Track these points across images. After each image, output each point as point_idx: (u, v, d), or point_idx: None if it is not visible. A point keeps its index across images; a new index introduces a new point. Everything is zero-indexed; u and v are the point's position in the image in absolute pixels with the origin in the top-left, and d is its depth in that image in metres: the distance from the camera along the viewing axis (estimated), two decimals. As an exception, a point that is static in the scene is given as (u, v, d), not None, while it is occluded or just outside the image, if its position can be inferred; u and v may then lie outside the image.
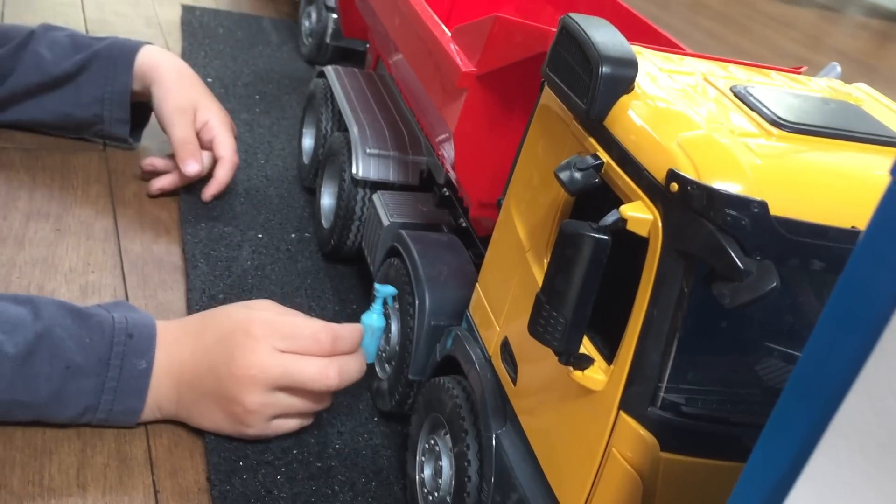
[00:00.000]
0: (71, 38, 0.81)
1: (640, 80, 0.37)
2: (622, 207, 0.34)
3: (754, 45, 1.96)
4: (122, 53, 0.79)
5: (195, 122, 0.77)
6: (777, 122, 0.35)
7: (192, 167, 0.74)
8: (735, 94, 0.38)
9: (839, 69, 0.46)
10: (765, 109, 0.36)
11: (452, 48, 0.51)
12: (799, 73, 0.48)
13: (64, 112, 0.80)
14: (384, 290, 0.55)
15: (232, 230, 0.74)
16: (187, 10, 1.22)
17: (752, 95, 0.37)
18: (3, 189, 0.74)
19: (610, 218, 0.34)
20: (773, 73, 0.44)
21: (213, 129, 0.77)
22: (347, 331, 0.54)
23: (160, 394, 0.52)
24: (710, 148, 0.33)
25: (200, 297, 0.65)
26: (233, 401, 0.51)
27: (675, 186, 0.32)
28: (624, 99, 0.36)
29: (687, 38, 1.85)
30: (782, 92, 0.39)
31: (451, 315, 0.52)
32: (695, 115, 0.35)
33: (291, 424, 0.54)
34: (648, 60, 0.40)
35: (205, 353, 0.52)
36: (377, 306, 0.56)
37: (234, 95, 0.99)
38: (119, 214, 0.74)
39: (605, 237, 0.33)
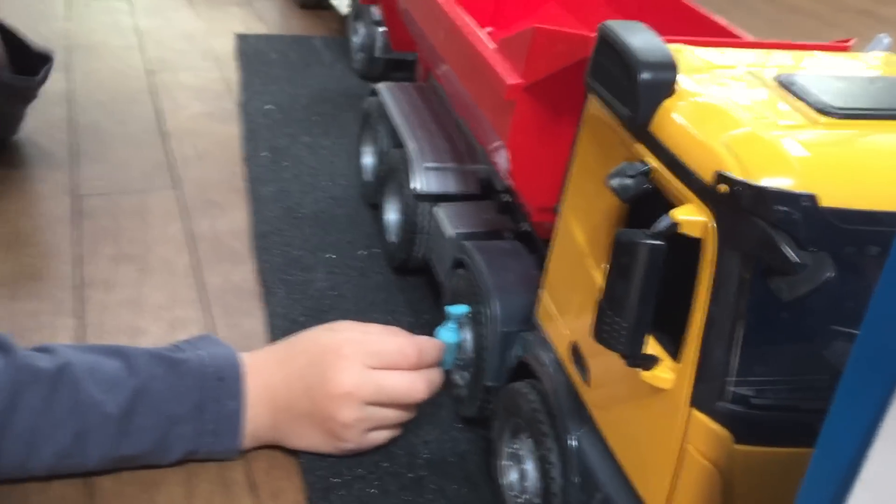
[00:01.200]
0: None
1: (683, 81, 0.38)
2: (673, 211, 0.35)
3: (812, 1, 1.90)
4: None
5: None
6: (824, 110, 0.36)
7: None
8: (780, 84, 0.38)
9: (887, 41, 0.45)
10: (811, 97, 0.36)
11: (497, 61, 0.52)
12: (847, 48, 0.47)
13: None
14: (456, 311, 0.57)
15: (304, 253, 0.77)
16: (241, 39, 1.25)
17: (797, 84, 0.38)
18: (89, 235, 0.78)
19: (663, 223, 0.35)
20: (818, 53, 0.44)
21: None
22: (430, 343, 0.57)
23: (256, 424, 0.55)
24: (756, 145, 0.34)
25: (282, 322, 0.68)
26: (329, 419, 0.54)
27: (723, 187, 0.33)
28: (667, 102, 0.37)
29: (741, 2, 1.81)
30: (828, 76, 0.39)
31: (520, 321, 0.54)
32: (739, 111, 0.36)
33: (384, 436, 0.57)
34: (690, 59, 0.41)
35: (298, 378, 0.55)
36: (451, 324, 0.58)
37: (293, 119, 1.02)
38: (197, 249, 0.78)
39: (660, 242, 0.34)
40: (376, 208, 0.83)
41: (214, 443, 0.54)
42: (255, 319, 0.70)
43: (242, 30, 1.30)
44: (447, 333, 0.58)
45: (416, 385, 0.55)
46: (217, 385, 0.53)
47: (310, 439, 0.55)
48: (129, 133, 0.97)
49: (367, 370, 0.54)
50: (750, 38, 0.58)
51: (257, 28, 1.32)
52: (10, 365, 0.49)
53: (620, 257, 0.35)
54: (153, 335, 0.67)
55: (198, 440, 0.53)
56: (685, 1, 0.67)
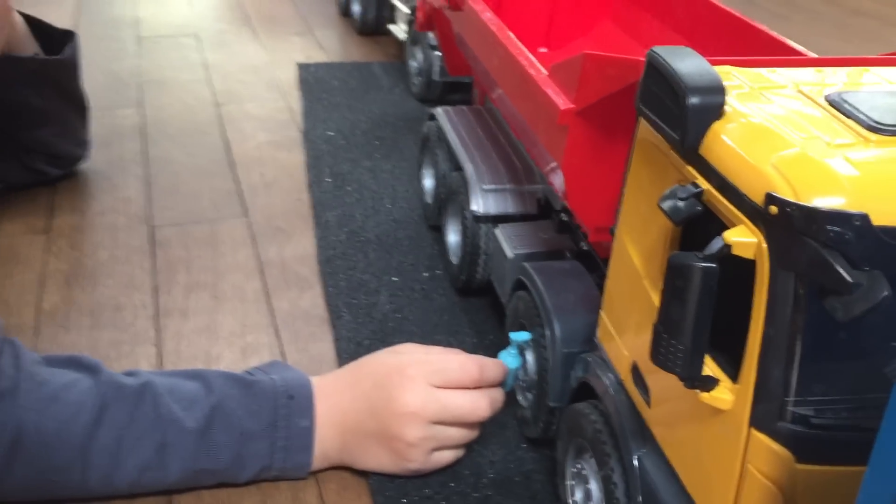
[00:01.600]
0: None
1: (732, 103, 0.39)
2: (726, 233, 0.35)
3: (875, 2, 1.86)
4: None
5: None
6: (874, 128, 0.36)
7: None
8: (830, 103, 0.38)
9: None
10: (861, 115, 0.36)
11: (550, 87, 0.53)
12: (902, 59, 0.47)
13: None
14: (518, 338, 0.59)
15: (369, 277, 0.79)
16: (302, 68, 1.29)
17: (847, 102, 0.38)
18: (164, 265, 0.82)
19: (715, 245, 0.35)
20: (872, 69, 0.44)
21: None
22: (492, 363, 0.58)
23: (325, 444, 0.57)
24: (805, 165, 0.34)
25: (348, 346, 0.70)
26: (395, 438, 0.55)
27: (774, 209, 0.33)
28: (716, 125, 0.38)
29: (802, 6, 1.78)
30: (879, 92, 0.39)
31: (582, 341, 0.54)
32: (789, 132, 0.36)
33: (450, 456, 0.58)
34: (738, 80, 0.41)
35: (364, 399, 0.56)
36: (513, 349, 0.59)
37: (354, 145, 1.05)
38: (266, 275, 0.81)
39: (713, 265, 0.35)
40: (438, 230, 0.85)
41: (286, 459, 0.56)
42: (323, 343, 0.72)
43: (304, 59, 1.34)
44: (509, 358, 0.59)
45: (479, 403, 0.56)
46: (289, 403, 0.56)
47: (377, 459, 0.57)
48: (199, 164, 1.01)
49: (431, 389, 0.55)
50: (801, 50, 0.57)
51: (318, 56, 1.36)
52: (97, 383, 0.53)
53: (674, 280, 0.36)
54: (227, 361, 0.69)
55: (271, 457, 0.55)
56: (739, 15, 0.67)
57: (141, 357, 0.69)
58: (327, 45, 1.42)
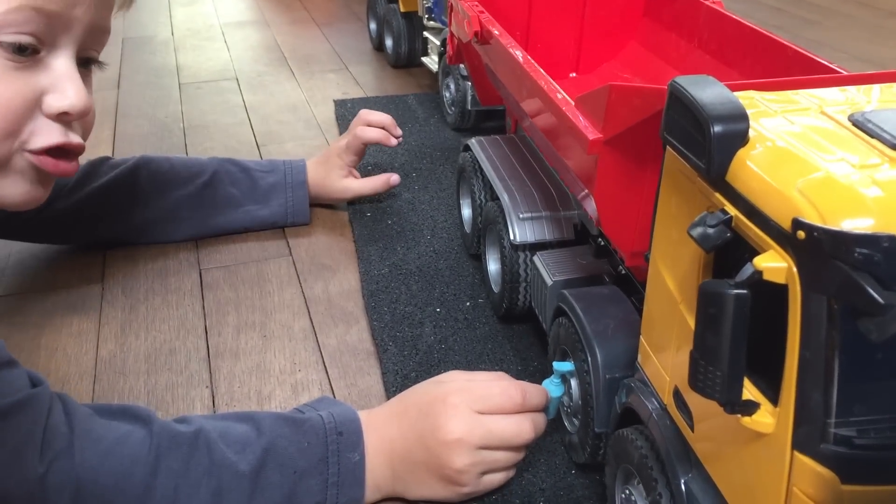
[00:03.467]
0: (247, 174, 0.95)
1: (756, 128, 0.39)
2: (756, 259, 0.35)
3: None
4: (294, 178, 0.97)
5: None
6: (900, 146, 0.36)
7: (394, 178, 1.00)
8: (854, 123, 0.39)
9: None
10: (885, 135, 0.37)
11: (577, 118, 0.54)
12: (930, 71, 0.47)
13: (252, 223, 0.96)
14: (561, 368, 0.60)
15: (412, 309, 0.80)
16: (339, 105, 1.32)
17: (870, 122, 0.38)
18: (214, 307, 0.84)
19: (746, 272, 0.35)
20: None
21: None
22: (534, 388, 0.60)
23: (376, 475, 0.58)
24: (831, 189, 0.34)
25: (395, 379, 0.71)
26: (444, 465, 0.57)
27: (802, 234, 0.34)
28: (741, 152, 0.38)
29: (835, 10, 1.76)
30: (903, 110, 0.39)
31: (624, 366, 0.55)
32: (814, 155, 0.37)
33: (499, 478, 0.59)
34: (762, 106, 0.42)
35: (411, 429, 0.58)
36: (556, 378, 0.60)
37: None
38: (312, 312, 0.82)
39: (745, 291, 0.35)
40: (478, 259, 0.86)
41: (339, 494, 0.57)
42: (370, 378, 0.73)
43: (340, 95, 1.37)
44: (552, 387, 0.60)
45: (524, 426, 0.58)
46: (338, 439, 0.57)
47: (429, 488, 0.58)
48: (243, 206, 1.03)
49: (475, 415, 0.57)
50: (827, 64, 0.57)
51: (354, 92, 1.39)
52: (150, 433, 0.54)
53: (707, 308, 0.36)
54: (278, 399, 0.71)
55: (325, 493, 0.56)
56: (765, 32, 0.67)
57: (196, 399, 0.71)
58: (363, 80, 1.44)
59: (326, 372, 0.74)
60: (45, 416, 0.51)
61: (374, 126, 0.99)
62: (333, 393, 0.71)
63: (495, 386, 0.59)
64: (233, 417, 0.58)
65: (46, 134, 0.57)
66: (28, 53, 0.55)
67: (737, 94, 0.41)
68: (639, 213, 0.53)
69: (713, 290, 0.36)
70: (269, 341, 0.78)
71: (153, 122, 1.29)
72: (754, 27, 0.69)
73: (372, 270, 0.87)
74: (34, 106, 0.56)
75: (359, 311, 0.82)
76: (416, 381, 0.70)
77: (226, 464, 0.54)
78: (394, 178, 1.01)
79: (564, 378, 0.60)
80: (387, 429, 0.59)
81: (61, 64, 0.57)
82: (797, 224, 0.34)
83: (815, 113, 0.41)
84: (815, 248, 0.33)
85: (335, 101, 1.33)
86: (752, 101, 0.42)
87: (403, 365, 0.73)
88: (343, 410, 0.60)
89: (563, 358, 0.62)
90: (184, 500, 0.53)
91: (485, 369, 0.72)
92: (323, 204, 1.01)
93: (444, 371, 0.71)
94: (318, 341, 0.78)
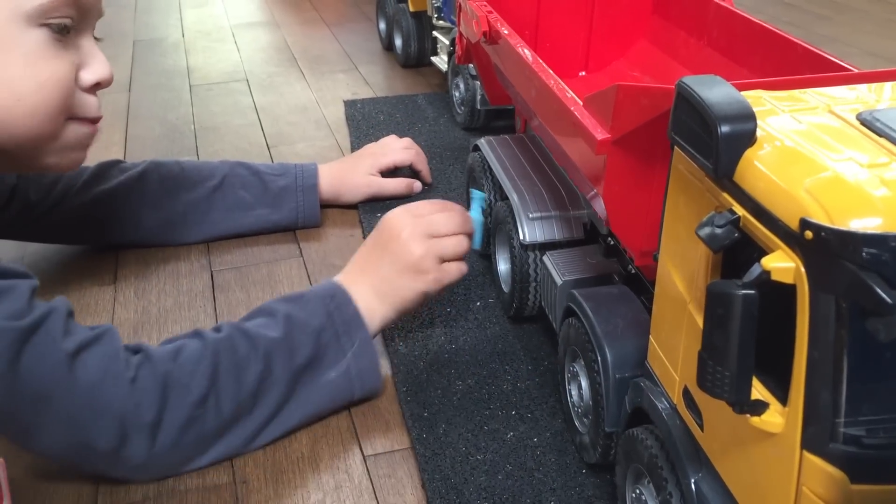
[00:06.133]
0: (258, 177, 0.96)
1: (764, 128, 0.39)
2: (764, 260, 0.35)
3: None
4: (305, 181, 0.98)
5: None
6: (908, 145, 0.36)
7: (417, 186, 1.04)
8: (862, 122, 0.39)
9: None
10: (894, 134, 0.37)
11: (586, 118, 0.54)
12: (940, 68, 0.47)
13: (263, 226, 0.97)
14: (477, 195, 0.80)
15: (422, 309, 0.80)
16: (349, 105, 1.32)
17: (878, 121, 0.38)
18: (225, 308, 0.84)
19: (754, 272, 0.35)
20: (905, 81, 0.44)
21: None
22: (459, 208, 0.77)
23: (373, 312, 0.69)
24: (838, 188, 0.34)
25: (405, 379, 0.71)
26: (407, 259, 0.70)
27: (809, 234, 0.34)
28: (748, 152, 0.38)
29: (846, 6, 1.75)
30: (912, 108, 0.39)
31: (633, 366, 0.55)
32: (821, 154, 0.37)
33: (455, 266, 0.72)
34: (770, 105, 0.42)
35: (374, 258, 0.72)
36: (475, 205, 0.77)
37: (403, 175, 1.07)
38: (323, 313, 0.82)
39: (753, 292, 0.35)
40: (488, 258, 0.86)
41: (350, 339, 0.67)
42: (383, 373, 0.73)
43: (349, 95, 1.37)
44: (473, 213, 0.76)
45: (454, 214, 0.74)
46: (332, 301, 0.68)
47: (407, 288, 0.70)
48: (254, 207, 1.04)
49: (417, 217, 0.72)
50: (837, 61, 0.57)
51: (364, 92, 1.39)
52: (199, 338, 0.63)
53: (715, 308, 0.36)
54: (289, 400, 0.71)
55: (338, 341, 0.66)
56: (775, 29, 0.67)
57: (208, 400, 0.72)
58: (372, 80, 1.45)
59: (337, 372, 0.74)
60: (121, 343, 0.60)
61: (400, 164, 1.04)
62: (344, 393, 0.71)
63: (422, 202, 0.75)
64: (245, 316, 0.68)
65: (86, 105, 0.67)
66: (66, 33, 0.63)
67: (744, 93, 0.41)
68: (648, 213, 0.53)
69: (721, 290, 0.36)
70: (280, 342, 0.79)
71: (164, 124, 1.30)
72: (763, 24, 0.69)
73: (382, 271, 0.87)
74: (75, 80, 0.65)
75: (369, 311, 0.82)
76: (427, 381, 0.71)
77: (262, 336, 0.64)
78: (417, 185, 1.03)
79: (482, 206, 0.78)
80: (361, 275, 0.71)
81: (86, 42, 0.66)
82: (805, 224, 0.34)
83: (824, 112, 0.41)
84: (823, 247, 0.33)
85: (345, 102, 1.33)
86: (760, 101, 0.42)
87: (414, 365, 0.73)
88: (325, 283, 0.70)
89: (574, 359, 0.62)
90: (243, 372, 0.62)
91: (495, 369, 0.72)
92: (335, 205, 1.02)
93: (455, 371, 0.72)
94: (329, 342, 0.78)
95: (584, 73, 0.98)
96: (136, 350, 0.61)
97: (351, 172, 1.01)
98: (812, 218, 0.34)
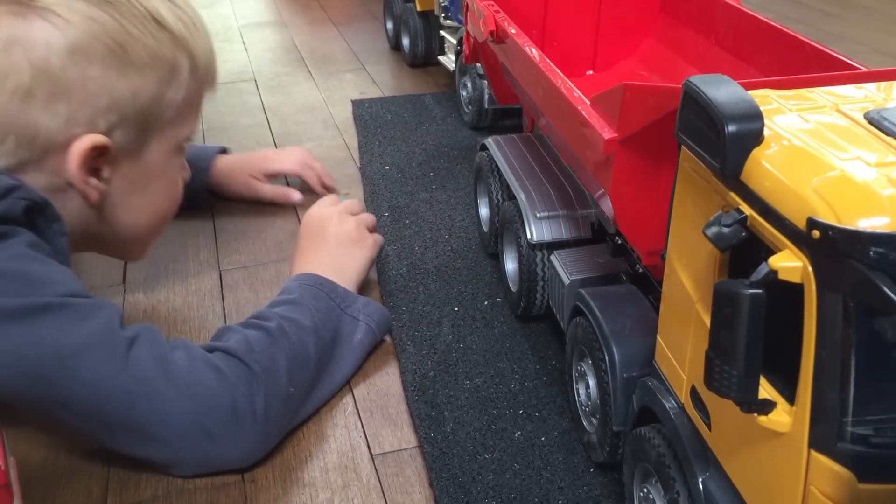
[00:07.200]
0: None
1: (771, 127, 0.39)
2: (771, 259, 0.35)
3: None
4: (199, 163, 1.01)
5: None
6: (916, 144, 0.36)
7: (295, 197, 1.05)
8: (870, 122, 0.38)
9: None
10: (901, 132, 0.37)
11: (593, 117, 0.54)
12: (949, 66, 0.47)
13: None
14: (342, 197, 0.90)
15: (430, 308, 0.81)
16: (357, 105, 1.32)
17: (887, 120, 0.38)
18: (233, 308, 0.85)
19: (761, 271, 0.35)
20: (913, 80, 0.44)
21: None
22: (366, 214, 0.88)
23: (348, 285, 0.77)
24: (845, 188, 0.34)
25: (413, 378, 0.72)
26: (348, 234, 0.81)
27: (816, 233, 0.34)
28: (756, 151, 0.38)
29: (854, 3, 1.74)
30: (920, 107, 0.39)
31: (641, 365, 0.55)
32: (829, 153, 0.37)
33: (377, 237, 0.85)
34: (777, 104, 0.42)
35: (321, 245, 0.81)
36: None
37: (410, 177, 1.07)
38: (331, 312, 0.83)
39: (760, 291, 0.35)
40: (496, 258, 0.86)
41: (352, 307, 0.73)
42: (389, 377, 0.73)
43: (357, 95, 1.38)
44: None
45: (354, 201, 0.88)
46: (321, 286, 0.73)
47: (358, 257, 0.81)
48: (262, 207, 1.04)
49: (333, 205, 0.85)
50: (845, 59, 0.57)
51: (372, 91, 1.39)
52: (266, 331, 0.66)
53: (722, 308, 0.36)
54: (298, 399, 0.71)
55: (346, 314, 0.73)
56: (783, 28, 0.67)
57: (217, 399, 0.72)
58: (380, 79, 1.45)
59: (346, 371, 0.75)
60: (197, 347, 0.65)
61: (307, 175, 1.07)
62: (353, 394, 0.72)
63: (346, 202, 0.87)
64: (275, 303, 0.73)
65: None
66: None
67: (752, 92, 0.41)
68: (655, 212, 0.53)
69: (728, 290, 0.36)
70: (288, 341, 0.79)
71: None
72: (771, 23, 0.69)
73: (389, 270, 0.87)
74: None
75: (377, 310, 0.82)
76: (435, 380, 0.71)
77: (299, 319, 0.68)
78: (295, 196, 1.04)
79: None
80: (315, 264, 0.77)
81: None
82: (812, 223, 0.34)
83: (831, 111, 0.40)
84: (831, 247, 0.33)
85: (353, 101, 1.34)
86: (767, 100, 0.42)
87: (421, 364, 0.73)
88: (298, 279, 0.75)
89: (582, 358, 0.62)
90: (304, 350, 0.67)
91: (503, 368, 0.72)
92: (221, 195, 1.04)
93: (463, 370, 0.72)
94: (337, 341, 0.79)
95: (591, 71, 0.98)
96: (210, 349, 0.64)
97: (238, 170, 1.04)
98: (819, 217, 0.34)
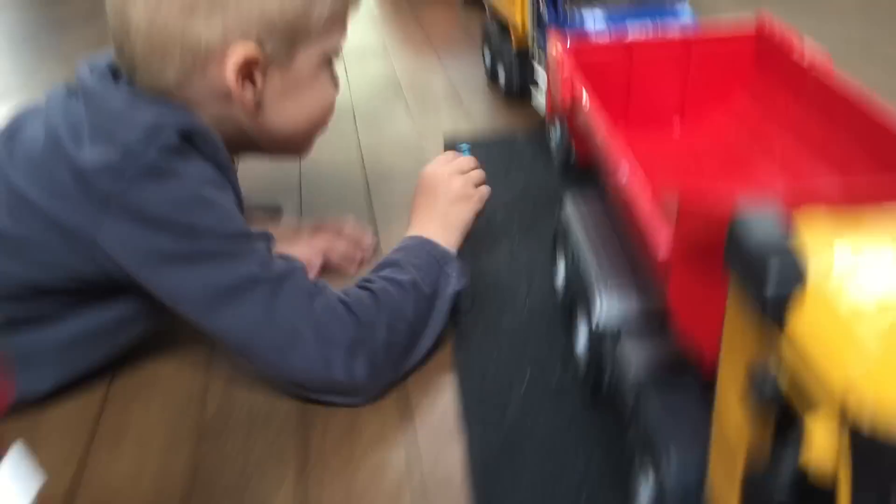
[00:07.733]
0: None
1: (817, 281, 0.37)
2: (804, 455, 0.33)
3: None
4: None
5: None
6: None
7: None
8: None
9: None
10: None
11: (652, 224, 0.53)
12: None
13: None
14: (464, 147, 1.01)
15: (499, 372, 0.80)
16: (448, 142, 1.32)
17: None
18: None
19: (786, 470, 0.34)
20: None
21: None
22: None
23: (448, 243, 0.88)
24: (883, 379, 0.32)
25: (480, 455, 0.71)
26: (456, 192, 0.93)
27: (852, 424, 0.32)
28: (796, 302, 0.36)
29: None
30: None
31: (699, 475, 0.53)
32: (878, 318, 0.34)
33: (485, 189, 0.96)
34: (826, 238, 0.39)
35: (432, 202, 0.92)
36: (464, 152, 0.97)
37: (494, 225, 1.06)
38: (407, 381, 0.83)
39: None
40: (573, 318, 0.84)
41: (449, 266, 0.85)
42: (452, 455, 0.73)
43: (450, 128, 1.38)
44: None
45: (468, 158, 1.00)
46: (422, 246, 0.86)
47: (464, 212, 0.92)
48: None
49: (447, 164, 0.97)
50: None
51: (464, 125, 1.39)
52: (370, 292, 0.78)
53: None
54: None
55: (444, 272, 0.83)
56: (880, 108, 0.63)
57: (288, 464, 0.74)
58: (474, 112, 1.45)
59: (414, 438, 0.75)
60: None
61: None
62: (418, 447, 0.72)
63: (459, 160, 0.98)
64: (374, 269, 0.85)
65: None
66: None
67: (807, 217, 0.39)
68: (714, 328, 0.51)
69: (758, 483, 0.34)
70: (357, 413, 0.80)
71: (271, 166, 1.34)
72: (862, 98, 0.65)
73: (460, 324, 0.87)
74: None
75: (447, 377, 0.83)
76: (500, 456, 0.70)
77: (402, 279, 0.80)
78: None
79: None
80: (427, 220, 0.89)
81: None
82: (846, 417, 0.32)
83: (888, 242, 0.38)
84: (867, 448, 0.31)
85: (445, 138, 1.34)
86: (819, 238, 0.39)
87: (489, 444, 0.72)
88: (411, 240, 0.87)
89: (642, 455, 0.60)
90: (408, 305, 0.79)
91: (567, 451, 0.71)
92: None
93: (531, 446, 0.71)
94: (407, 406, 0.79)
95: (678, 117, 0.95)
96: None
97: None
98: (855, 413, 0.31)
